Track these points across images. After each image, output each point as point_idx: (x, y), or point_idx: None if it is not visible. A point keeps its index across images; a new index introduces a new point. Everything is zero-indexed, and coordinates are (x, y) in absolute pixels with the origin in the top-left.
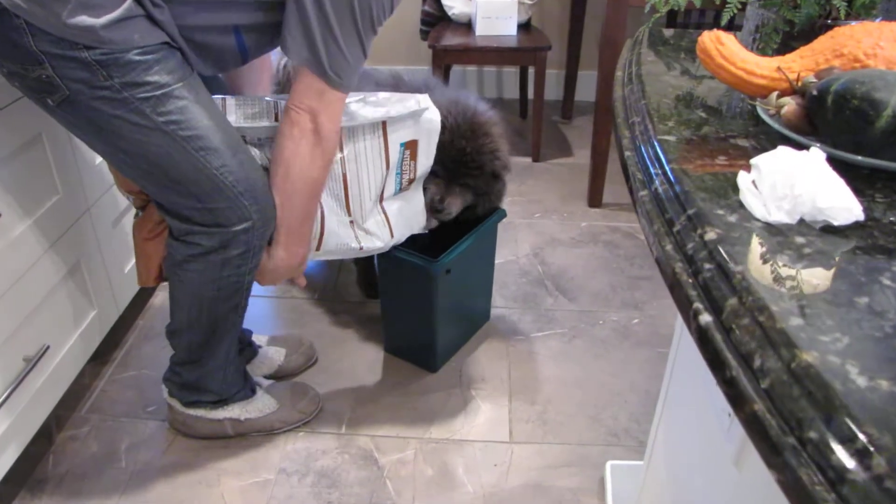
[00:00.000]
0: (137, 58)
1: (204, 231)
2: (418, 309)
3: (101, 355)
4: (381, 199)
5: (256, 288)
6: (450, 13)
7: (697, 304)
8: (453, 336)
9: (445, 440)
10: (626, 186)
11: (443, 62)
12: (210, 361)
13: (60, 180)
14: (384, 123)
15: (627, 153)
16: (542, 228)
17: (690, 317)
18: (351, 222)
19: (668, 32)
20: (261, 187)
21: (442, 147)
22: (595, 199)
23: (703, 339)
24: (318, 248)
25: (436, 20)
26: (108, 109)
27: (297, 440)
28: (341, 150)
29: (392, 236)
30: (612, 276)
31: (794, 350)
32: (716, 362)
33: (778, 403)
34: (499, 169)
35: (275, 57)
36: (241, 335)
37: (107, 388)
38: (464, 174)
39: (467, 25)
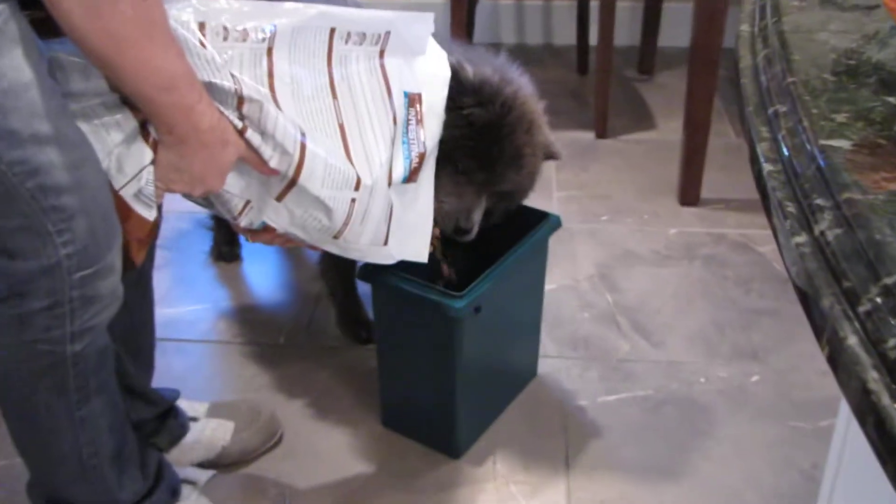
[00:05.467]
0: None
1: None
2: (433, 366)
3: None
4: (390, 179)
5: (189, 332)
6: None
7: None
8: (484, 404)
9: None
10: (767, 221)
11: None
12: (49, 466)
13: None
14: (381, 52)
15: (768, 167)
16: (612, 238)
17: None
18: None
19: None
20: (86, 204)
21: (479, 140)
22: (690, 194)
23: None
24: (296, 177)
25: None
26: None
27: None
28: (333, 95)
29: (386, 243)
30: (718, 309)
31: None
32: None
33: None
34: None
35: None
36: (157, 400)
37: None
38: (501, 178)
39: None
